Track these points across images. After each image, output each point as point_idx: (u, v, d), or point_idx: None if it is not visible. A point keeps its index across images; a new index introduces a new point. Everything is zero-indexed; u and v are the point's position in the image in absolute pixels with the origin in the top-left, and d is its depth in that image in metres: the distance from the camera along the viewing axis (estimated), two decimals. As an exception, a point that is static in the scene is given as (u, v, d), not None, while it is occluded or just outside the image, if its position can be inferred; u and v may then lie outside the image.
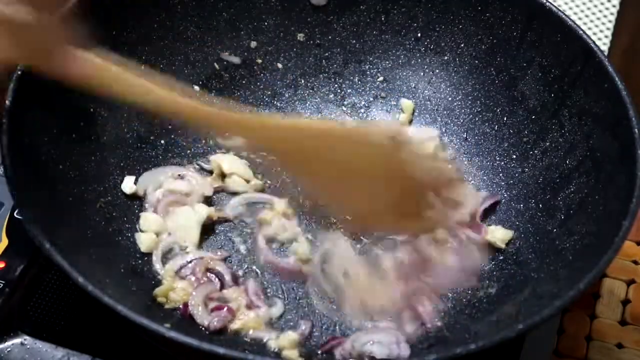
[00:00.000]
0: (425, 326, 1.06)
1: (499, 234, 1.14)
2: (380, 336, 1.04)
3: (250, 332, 1.05)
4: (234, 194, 1.19)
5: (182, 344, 0.84)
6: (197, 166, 1.21)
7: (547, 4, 1.15)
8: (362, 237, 1.13)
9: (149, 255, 1.11)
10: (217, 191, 1.19)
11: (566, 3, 1.58)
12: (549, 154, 1.16)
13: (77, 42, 0.92)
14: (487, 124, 1.24)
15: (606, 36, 1.53)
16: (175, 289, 1.07)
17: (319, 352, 1.04)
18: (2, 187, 0.99)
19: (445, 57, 1.26)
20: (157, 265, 1.10)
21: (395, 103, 1.29)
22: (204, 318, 1.04)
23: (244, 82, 1.28)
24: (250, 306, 1.07)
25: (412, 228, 1.12)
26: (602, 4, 1.57)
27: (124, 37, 1.16)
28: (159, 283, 1.08)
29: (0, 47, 0.86)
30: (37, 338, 1.05)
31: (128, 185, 1.15)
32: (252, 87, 1.29)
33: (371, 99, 1.30)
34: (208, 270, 1.10)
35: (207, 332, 1.03)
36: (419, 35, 1.27)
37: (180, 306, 1.05)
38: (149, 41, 1.20)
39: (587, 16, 1.56)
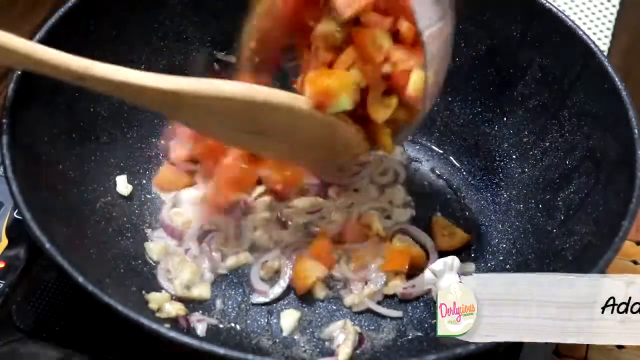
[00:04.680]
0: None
1: None
2: None
3: None
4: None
5: (182, 344, 0.84)
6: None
7: (547, 4, 1.15)
8: None
9: (148, 255, 1.12)
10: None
11: (566, 3, 1.57)
12: (549, 154, 1.15)
13: None
14: (487, 124, 1.24)
15: (606, 36, 1.53)
16: (172, 302, 1.07)
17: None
18: (2, 187, 0.99)
19: (445, 57, 1.26)
20: (163, 282, 1.10)
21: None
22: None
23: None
24: None
25: None
26: (602, 4, 1.57)
27: (124, 36, 1.16)
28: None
29: None
30: (37, 338, 1.05)
31: (123, 185, 1.15)
32: (252, 87, 1.28)
33: (371, 99, 1.30)
34: None
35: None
36: (419, 35, 1.26)
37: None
38: (149, 41, 1.20)
39: (587, 16, 1.56)
